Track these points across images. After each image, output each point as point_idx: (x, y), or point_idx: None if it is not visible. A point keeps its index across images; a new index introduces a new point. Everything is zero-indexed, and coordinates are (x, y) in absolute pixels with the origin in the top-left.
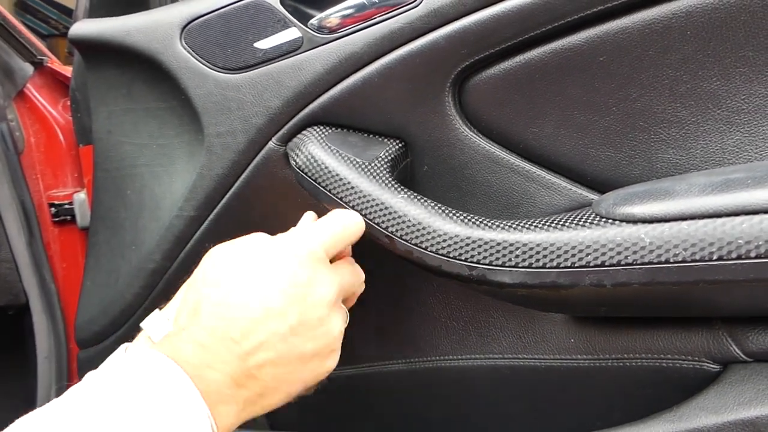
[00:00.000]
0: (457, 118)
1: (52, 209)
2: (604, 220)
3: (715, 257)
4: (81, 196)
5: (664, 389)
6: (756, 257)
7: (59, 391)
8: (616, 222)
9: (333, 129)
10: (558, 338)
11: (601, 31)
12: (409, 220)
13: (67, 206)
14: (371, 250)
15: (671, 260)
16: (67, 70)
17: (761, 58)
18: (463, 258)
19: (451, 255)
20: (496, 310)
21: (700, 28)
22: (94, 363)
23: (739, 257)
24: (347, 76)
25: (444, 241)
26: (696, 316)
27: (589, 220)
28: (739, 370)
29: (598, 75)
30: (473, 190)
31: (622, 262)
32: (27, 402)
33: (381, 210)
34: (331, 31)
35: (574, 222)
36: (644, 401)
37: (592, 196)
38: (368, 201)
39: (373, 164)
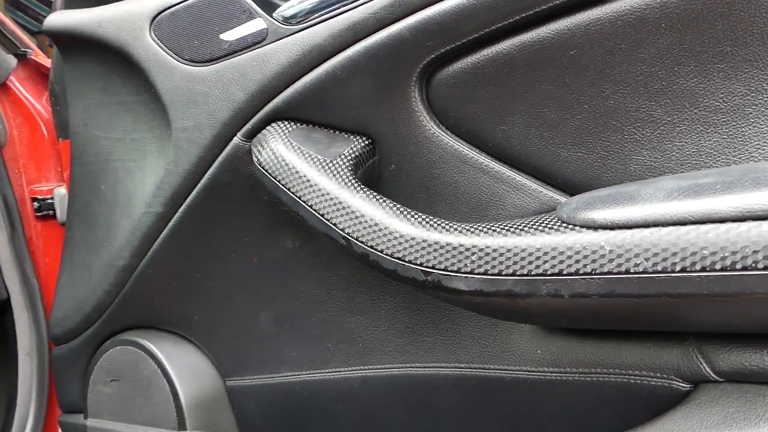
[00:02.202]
0: (424, 114)
1: (35, 204)
2: (564, 225)
3: (678, 268)
4: (61, 191)
5: (632, 407)
6: (722, 269)
7: (40, 389)
8: (576, 228)
9: (298, 125)
10: (525, 349)
11: (571, 23)
12: (366, 221)
13: (49, 201)
14: (339, 254)
15: (631, 270)
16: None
17: (740, 53)
18: (418, 262)
19: (406, 259)
20: (463, 318)
21: (675, 20)
22: (67, 360)
23: (703, 269)
24: (311, 69)
25: (399, 243)
26: (665, 331)
27: (550, 226)
28: (709, 390)
29: (569, 70)
30: (441, 191)
31: (581, 271)
32: (8, 399)
33: (338, 210)
34: (296, 22)
35: (535, 227)
36: (611, 419)
37: (563, 199)
38: (325, 200)
39: (335, 162)
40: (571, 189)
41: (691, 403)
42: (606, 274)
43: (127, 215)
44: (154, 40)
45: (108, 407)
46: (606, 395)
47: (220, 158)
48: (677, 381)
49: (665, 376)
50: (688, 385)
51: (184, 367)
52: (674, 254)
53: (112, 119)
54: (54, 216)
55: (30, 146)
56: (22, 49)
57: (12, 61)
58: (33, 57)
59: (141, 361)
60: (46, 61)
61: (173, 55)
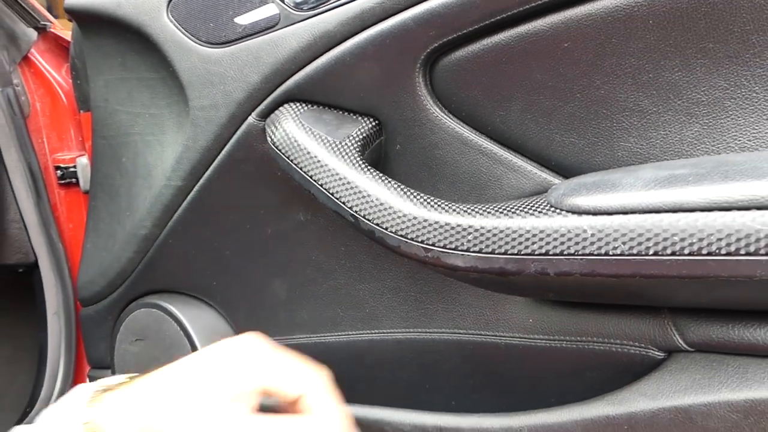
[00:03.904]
0: (428, 99)
1: (58, 172)
2: (552, 209)
3: (651, 252)
4: (83, 161)
5: (614, 372)
6: (689, 254)
7: (68, 346)
8: (563, 212)
9: (309, 106)
10: (518, 318)
11: (565, 17)
12: (372, 201)
13: (72, 169)
14: (347, 227)
15: (610, 253)
16: (69, 35)
17: (722, 50)
18: (419, 240)
19: (408, 236)
20: (462, 288)
21: (662, 17)
22: (94, 320)
23: (673, 253)
24: (321, 54)
25: (403, 222)
26: (643, 305)
27: (539, 209)
28: (680, 359)
29: (563, 61)
30: (443, 171)
31: (565, 252)
32: (39, 355)
33: (347, 189)
34: (307, 8)
35: (525, 209)
36: (595, 383)
37: (557, 180)
38: (335, 180)
39: (344, 143)
40: (563, 171)
41: (664, 370)
42: (587, 255)
43: (147, 187)
44: (171, 22)
45: (134, 364)
46: (590, 361)
47: (235, 136)
48: (653, 350)
49: (643, 345)
50: (663, 354)
51: (204, 329)
52: (648, 239)
53: (132, 94)
54: (77, 184)
55: (52, 117)
56: (42, 23)
57: (32, 34)
58: (52, 30)
59: (164, 323)
60: (65, 34)
61: (190, 36)
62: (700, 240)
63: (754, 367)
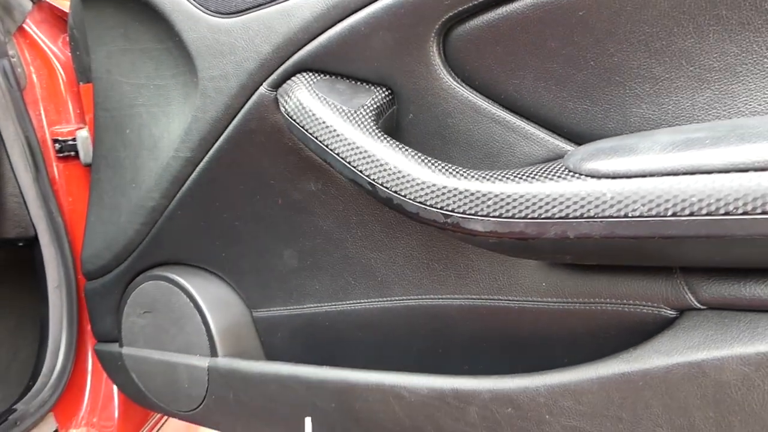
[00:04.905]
0: (442, 68)
1: (57, 145)
2: (571, 174)
3: (669, 213)
4: (83, 134)
5: (626, 332)
6: (707, 214)
7: (70, 319)
8: (582, 177)
9: (322, 76)
10: (531, 282)
11: None
12: (390, 169)
13: (70, 142)
14: (359, 196)
15: (629, 215)
16: (65, 5)
17: (734, 17)
18: (438, 206)
19: (428, 203)
20: (475, 254)
21: None
22: (100, 294)
23: (691, 214)
24: (335, 23)
25: (422, 189)
26: (657, 266)
27: (557, 174)
28: (693, 316)
29: (577, 29)
30: (456, 139)
31: (585, 215)
32: (41, 329)
33: (364, 158)
34: None
35: (544, 175)
36: (608, 343)
37: (569, 147)
38: (352, 149)
39: (358, 112)
40: (576, 138)
41: (677, 328)
42: (607, 217)
43: (153, 158)
44: None
45: (142, 336)
46: (603, 322)
47: (246, 107)
48: (665, 309)
49: (655, 304)
50: (675, 312)
51: (214, 300)
52: (667, 201)
53: (135, 65)
54: (76, 157)
55: (49, 89)
56: None
57: (27, 4)
58: (47, 0)
59: (173, 294)
60: (61, 4)
61: (198, 6)
62: (718, 200)
63: (766, 321)
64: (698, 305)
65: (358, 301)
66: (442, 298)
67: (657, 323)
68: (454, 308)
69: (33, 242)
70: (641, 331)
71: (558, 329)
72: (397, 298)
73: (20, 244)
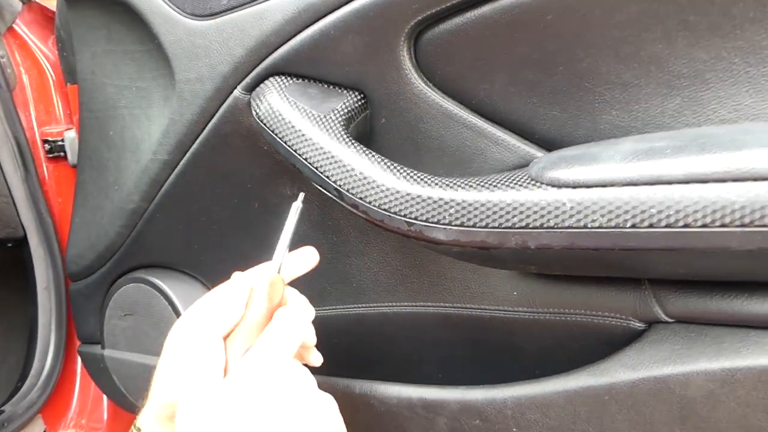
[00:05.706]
0: (413, 72)
1: (46, 145)
2: (532, 182)
3: (629, 224)
4: (71, 134)
5: (595, 343)
6: (666, 226)
7: (59, 320)
8: (543, 185)
9: (294, 79)
10: (502, 291)
11: None
12: (356, 174)
13: (60, 143)
14: (333, 201)
15: (589, 225)
16: (55, 6)
17: (703, 23)
18: (402, 213)
19: (392, 210)
20: (448, 262)
21: None
22: (84, 295)
23: (650, 225)
24: (306, 27)
25: (386, 196)
26: (625, 277)
27: (520, 182)
28: (660, 330)
29: (546, 34)
30: (428, 144)
31: (545, 225)
32: (30, 330)
33: (331, 163)
34: None
35: (507, 183)
36: (577, 354)
37: (540, 153)
38: (320, 153)
39: (328, 116)
40: (547, 144)
41: (645, 341)
42: (566, 228)
43: (135, 161)
44: None
45: (123, 339)
46: (573, 333)
47: (221, 110)
48: (634, 321)
49: (624, 316)
50: (643, 325)
51: (192, 303)
52: (626, 212)
53: (118, 67)
54: (65, 157)
55: (38, 89)
56: None
57: (17, 4)
58: (37, 0)
59: (152, 297)
60: (51, 4)
61: (175, 8)
62: (677, 212)
63: (731, 336)
64: (666, 318)
65: (334, 307)
66: (416, 306)
67: (626, 335)
68: (429, 316)
69: (22, 243)
70: (611, 343)
71: (529, 339)
72: (372, 305)
73: (9, 244)
